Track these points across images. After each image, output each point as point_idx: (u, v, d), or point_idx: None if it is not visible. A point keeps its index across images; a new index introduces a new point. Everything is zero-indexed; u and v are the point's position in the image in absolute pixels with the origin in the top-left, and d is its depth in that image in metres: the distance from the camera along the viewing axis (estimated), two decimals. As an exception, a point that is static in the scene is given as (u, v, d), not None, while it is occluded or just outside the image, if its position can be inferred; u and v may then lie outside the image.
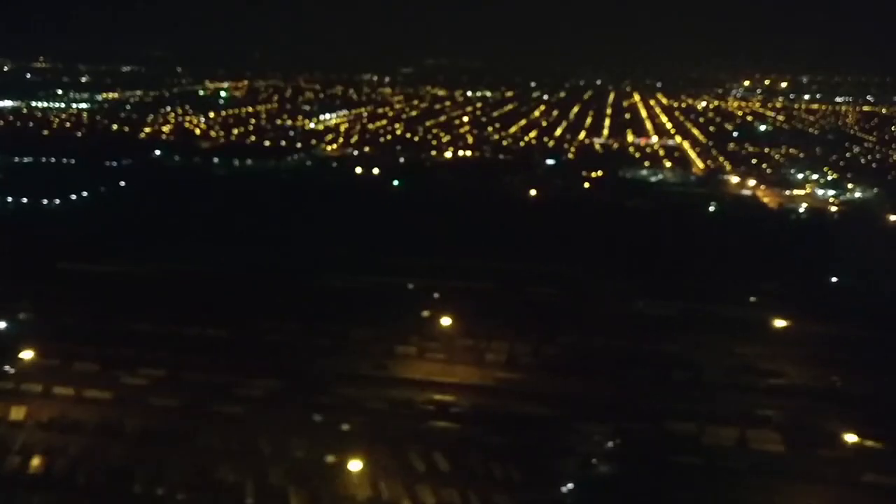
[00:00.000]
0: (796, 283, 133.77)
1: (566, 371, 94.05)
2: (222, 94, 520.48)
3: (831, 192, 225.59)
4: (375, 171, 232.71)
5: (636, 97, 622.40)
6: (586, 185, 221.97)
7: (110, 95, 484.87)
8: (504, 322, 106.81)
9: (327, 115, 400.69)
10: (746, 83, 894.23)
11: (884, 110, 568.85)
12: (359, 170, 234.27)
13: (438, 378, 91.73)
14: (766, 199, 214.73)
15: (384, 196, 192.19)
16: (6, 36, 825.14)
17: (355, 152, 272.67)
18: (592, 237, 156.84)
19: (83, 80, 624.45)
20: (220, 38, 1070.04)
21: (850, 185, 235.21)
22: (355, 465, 69.90)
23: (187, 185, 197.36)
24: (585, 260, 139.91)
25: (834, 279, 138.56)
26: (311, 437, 75.46)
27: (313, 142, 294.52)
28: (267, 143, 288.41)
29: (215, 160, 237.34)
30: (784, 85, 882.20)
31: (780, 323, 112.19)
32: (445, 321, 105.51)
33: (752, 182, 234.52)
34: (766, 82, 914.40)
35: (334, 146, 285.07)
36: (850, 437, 79.28)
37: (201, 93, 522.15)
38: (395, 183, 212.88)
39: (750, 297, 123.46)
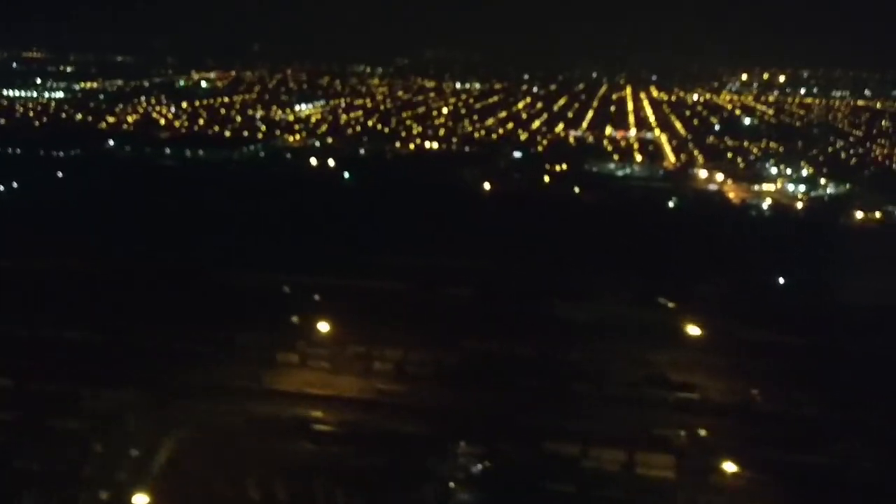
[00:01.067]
0: (737, 285, 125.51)
1: (457, 382, 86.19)
2: (203, 84, 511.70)
3: (802, 188, 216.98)
4: (330, 162, 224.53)
5: (628, 90, 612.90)
6: (546, 178, 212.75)
7: (89, 85, 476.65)
8: (407, 326, 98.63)
9: (304, 106, 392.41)
10: (744, 77, 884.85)
11: (878, 105, 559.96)
12: (313, 161, 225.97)
13: (314, 390, 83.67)
14: (731, 195, 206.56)
15: (324, 188, 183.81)
16: (5, 25, 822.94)
17: (317, 143, 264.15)
18: (533, 233, 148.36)
19: (69, 69, 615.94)
20: (222, 31, 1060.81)
21: (822, 181, 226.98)
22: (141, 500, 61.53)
23: (123, 175, 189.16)
24: (518, 257, 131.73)
25: (781, 280, 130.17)
26: (135, 463, 67.46)
27: (277, 132, 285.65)
28: (228, 133, 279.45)
29: (166, 150, 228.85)
30: (782, 79, 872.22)
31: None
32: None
33: (719, 177, 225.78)
34: (765, 76, 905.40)
35: (297, 137, 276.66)
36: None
37: (182, 83, 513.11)
38: (345, 175, 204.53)
39: (682, 300, 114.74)
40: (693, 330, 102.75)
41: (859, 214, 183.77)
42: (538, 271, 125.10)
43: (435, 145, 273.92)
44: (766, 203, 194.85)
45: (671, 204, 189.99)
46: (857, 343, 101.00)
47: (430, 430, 75.05)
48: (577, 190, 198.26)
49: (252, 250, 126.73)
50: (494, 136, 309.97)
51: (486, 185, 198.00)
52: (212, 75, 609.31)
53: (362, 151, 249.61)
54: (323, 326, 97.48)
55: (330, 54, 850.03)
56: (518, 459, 70.90)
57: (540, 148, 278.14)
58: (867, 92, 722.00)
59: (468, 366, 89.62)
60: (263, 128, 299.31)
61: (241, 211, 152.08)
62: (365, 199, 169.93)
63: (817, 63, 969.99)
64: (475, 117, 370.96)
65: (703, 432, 77.02)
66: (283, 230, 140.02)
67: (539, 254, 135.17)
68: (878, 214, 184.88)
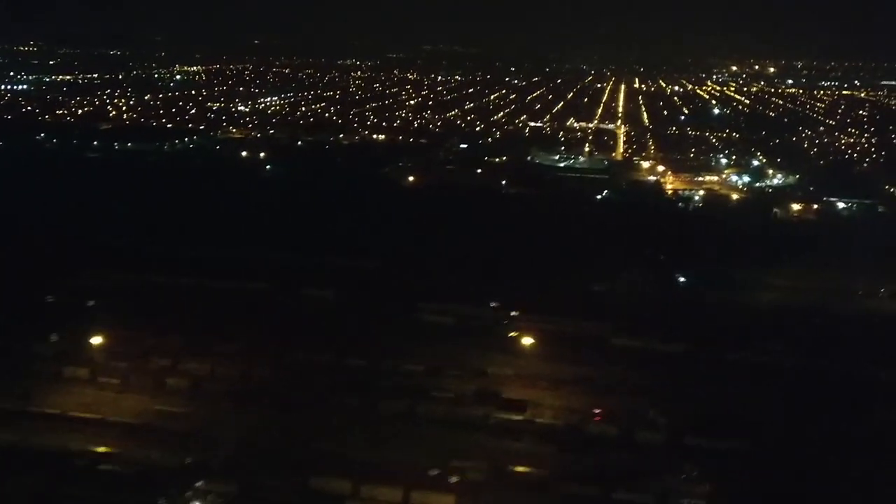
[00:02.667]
0: (631, 285, 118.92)
1: (253, 401, 77.29)
2: (178, 77, 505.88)
3: (747, 179, 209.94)
4: (261, 154, 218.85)
5: (610, 82, 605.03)
6: (478, 170, 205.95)
7: (62, 77, 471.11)
8: (235, 332, 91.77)
9: (270, 98, 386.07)
10: (734, 68, 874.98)
11: (863, 94, 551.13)
12: (244, 153, 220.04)
13: (85, 412, 73.75)
14: (668, 186, 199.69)
15: (230, 182, 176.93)
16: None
17: (259, 135, 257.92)
18: (430, 229, 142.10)
19: (53, 62, 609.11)
20: (224, 26, 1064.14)
21: (771, 172, 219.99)
22: None
23: (30, 168, 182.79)
24: (401, 255, 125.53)
25: (682, 279, 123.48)
26: None
27: (225, 124, 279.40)
28: (170, 126, 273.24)
29: (94, 143, 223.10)
30: (772, 70, 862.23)
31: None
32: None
33: (661, 168, 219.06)
34: (756, 67, 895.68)
35: (244, 129, 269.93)
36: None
37: (158, 76, 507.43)
38: (266, 167, 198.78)
39: (553, 302, 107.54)
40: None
41: (796, 207, 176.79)
42: (414, 270, 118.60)
43: (381, 136, 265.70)
44: (699, 195, 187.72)
45: (598, 197, 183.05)
46: (733, 350, 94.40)
47: (180, 462, 65.15)
48: (503, 182, 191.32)
49: (117, 248, 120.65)
50: (450, 127, 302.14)
51: (410, 178, 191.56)
52: (196, 68, 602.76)
53: (300, 143, 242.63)
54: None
55: (326, 48, 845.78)
56: (270, 499, 62.26)
57: (490, 139, 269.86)
58: (857, 82, 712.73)
59: (277, 381, 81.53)
60: (214, 120, 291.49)
61: (109, 206, 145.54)
62: (267, 193, 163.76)
63: (812, 55, 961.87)
64: (440, 109, 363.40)
65: (510, 466, 67.97)
66: (151, 227, 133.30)
67: (426, 251, 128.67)
68: (815, 207, 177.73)
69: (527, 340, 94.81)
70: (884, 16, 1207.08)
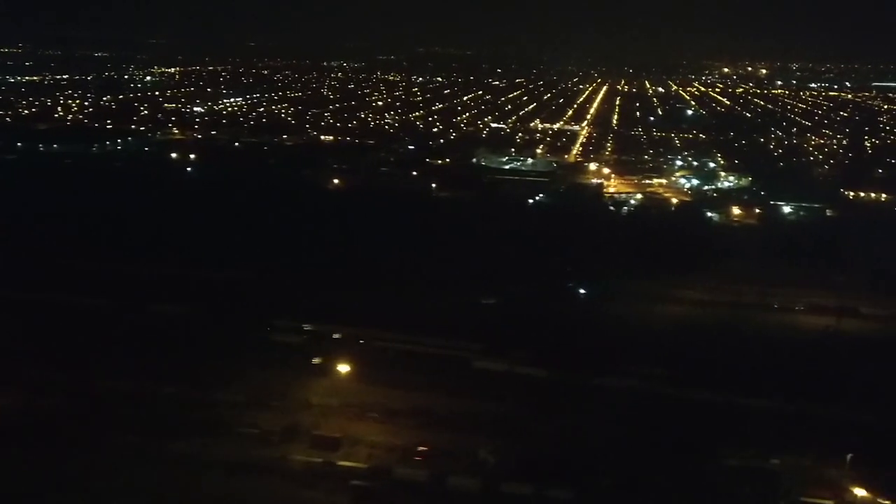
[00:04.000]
0: (521, 299, 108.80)
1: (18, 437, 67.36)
2: (147, 78, 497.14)
3: (695, 182, 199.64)
4: (191, 156, 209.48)
5: (594, 83, 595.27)
6: (415, 173, 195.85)
7: (26, 78, 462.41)
8: (50, 354, 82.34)
9: (232, 100, 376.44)
10: (726, 69, 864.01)
11: (849, 95, 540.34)
12: (173, 155, 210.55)
13: None
14: (609, 190, 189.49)
15: (142, 185, 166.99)
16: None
17: (198, 137, 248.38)
18: (336, 237, 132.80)
19: (27, 63, 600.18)
20: (227, 27, 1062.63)
21: (724, 174, 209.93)
22: None
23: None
24: (291, 265, 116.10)
25: (581, 291, 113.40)
26: None
27: (170, 126, 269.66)
28: (109, 127, 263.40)
29: (17, 144, 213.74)
30: (764, 72, 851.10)
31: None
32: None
33: (607, 171, 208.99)
34: (749, 69, 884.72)
35: (185, 131, 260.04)
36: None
37: (126, 77, 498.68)
38: (188, 170, 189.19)
39: (441, 318, 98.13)
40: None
41: (736, 211, 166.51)
42: (289, 283, 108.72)
43: (330, 138, 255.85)
44: (635, 199, 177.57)
45: (530, 201, 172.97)
46: (605, 374, 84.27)
47: None
48: (433, 185, 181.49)
49: None
50: (409, 128, 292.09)
51: (334, 181, 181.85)
52: (174, 70, 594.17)
53: (237, 144, 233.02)
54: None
55: (318, 50, 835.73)
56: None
57: (442, 141, 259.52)
58: (848, 83, 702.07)
59: (59, 413, 71.27)
60: (161, 121, 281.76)
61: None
62: (165, 198, 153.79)
63: (812, 57, 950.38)
64: (406, 110, 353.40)
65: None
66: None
67: (312, 261, 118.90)
68: (757, 211, 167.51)
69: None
70: (886, 17, 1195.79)
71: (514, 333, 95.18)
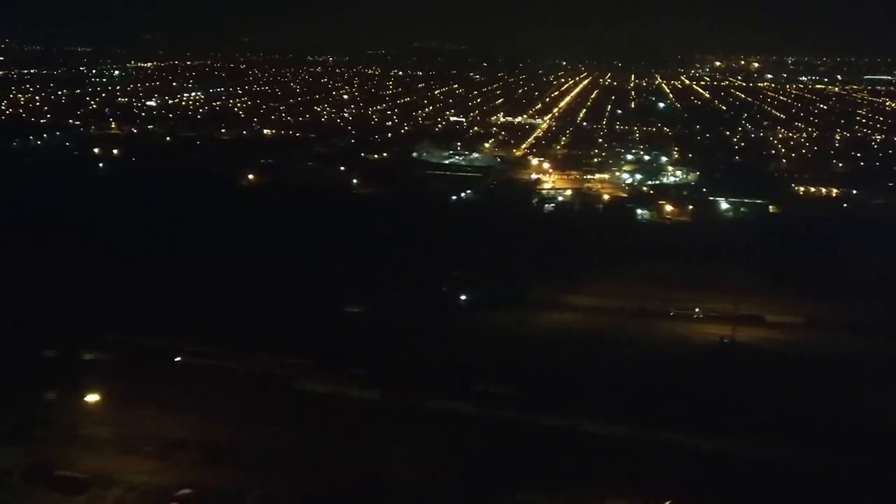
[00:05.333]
0: (392, 306, 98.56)
1: None
2: (116, 73, 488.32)
3: (638, 177, 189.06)
4: (115, 151, 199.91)
5: (578, 77, 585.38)
6: (342, 168, 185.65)
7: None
8: None
9: (191, 94, 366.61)
10: (717, 63, 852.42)
11: (836, 89, 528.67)
12: (96, 150, 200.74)
13: None
14: (544, 185, 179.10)
15: (41, 180, 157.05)
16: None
17: (133, 130, 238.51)
18: (218, 237, 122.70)
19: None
20: (223, 22, 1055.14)
21: (671, 169, 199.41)
22: None
23: None
24: (151, 267, 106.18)
25: (464, 297, 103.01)
26: None
27: (111, 119, 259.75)
28: (43, 120, 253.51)
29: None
30: (756, 65, 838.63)
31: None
32: None
33: (547, 165, 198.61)
34: (742, 62, 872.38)
35: (123, 125, 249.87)
36: None
37: (93, 72, 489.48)
38: (100, 165, 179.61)
39: (290, 330, 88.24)
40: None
41: (669, 208, 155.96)
42: (122, 289, 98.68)
43: (271, 131, 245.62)
44: (565, 195, 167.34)
45: (453, 197, 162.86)
46: (446, 396, 74.02)
47: None
48: (363, 180, 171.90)
49: None
50: (362, 121, 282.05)
51: (249, 177, 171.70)
52: (149, 65, 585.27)
53: (169, 139, 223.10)
54: None
55: (308, 45, 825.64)
56: None
57: (390, 134, 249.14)
58: (839, 77, 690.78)
59: None
60: (105, 116, 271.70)
61: None
62: (55, 195, 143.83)
63: (808, 51, 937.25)
64: (369, 104, 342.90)
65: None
66: None
67: (170, 264, 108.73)
68: (690, 208, 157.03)
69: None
70: (886, 11, 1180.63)
71: (362, 347, 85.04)
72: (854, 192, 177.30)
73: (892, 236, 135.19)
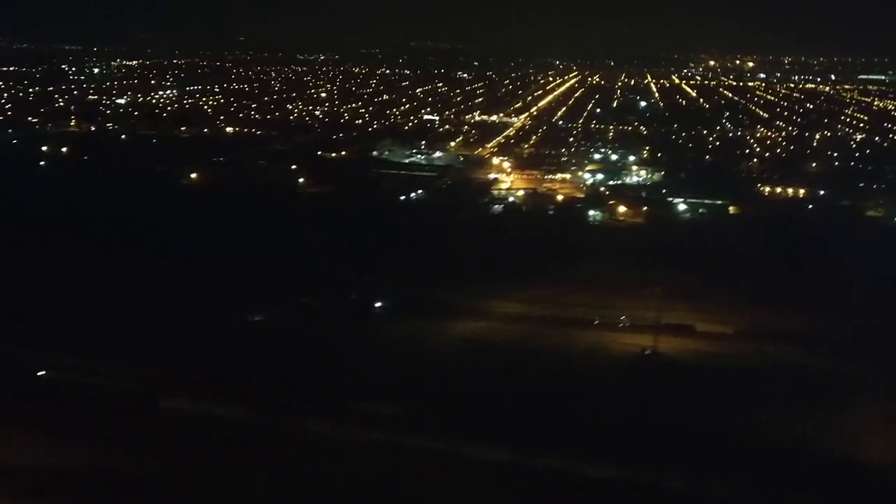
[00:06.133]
0: (295, 315, 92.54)
1: None
2: (95, 71, 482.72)
3: (600, 177, 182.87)
4: (63, 149, 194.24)
5: (568, 76, 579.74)
6: (294, 167, 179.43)
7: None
8: None
9: (168, 92, 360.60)
10: (712, 62, 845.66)
11: (827, 88, 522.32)
12: (44, 148, 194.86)
13: None
14: (502, 185, 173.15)
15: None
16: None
17: (91, 128, 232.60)
18: (132, 240, 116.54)
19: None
20: (223, 21, 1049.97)
21: (636, 168, 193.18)
22: None
23: None
24: (54, 272, 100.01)
25: (378, 304, 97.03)
26: None
27: (73, 117, 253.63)
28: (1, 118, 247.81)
29: None
30: (751, 64, 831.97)
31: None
32: None
33: (507, 165, 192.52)
34: (738, 62, 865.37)
35: (82, 123, 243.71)
36: None
37: (74, 69, 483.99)
38: (41, 163, 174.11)
39: (179, 341, 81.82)
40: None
41: (622, 209, 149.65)
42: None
43: (232, 129, 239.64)
44: (516, 196, 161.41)
45: (402, 197, 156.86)
46: (315, 414, 67.91)
47: None
48: (309, 179, 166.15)
49: None
50: (332, 119, 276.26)
51: (192, 176, 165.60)
52: (134, 63, 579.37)
53: (124, 136, 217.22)
54: None
55: (304, 44, 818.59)
56: None
57: (354, 133, 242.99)
58: (833, 76, 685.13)
59: None
60: (67, 112, 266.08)
61: None
62: None
63: (806, 51, 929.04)
64: (343, 103, 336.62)
65: None
66: None
67: (74, 270, 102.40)
68: (644, 209, 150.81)
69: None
70: (884, 11, 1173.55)
71: (250, 360, 78.73)
72: (821, 192, 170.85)
73: (850, 240, 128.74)
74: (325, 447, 63.31)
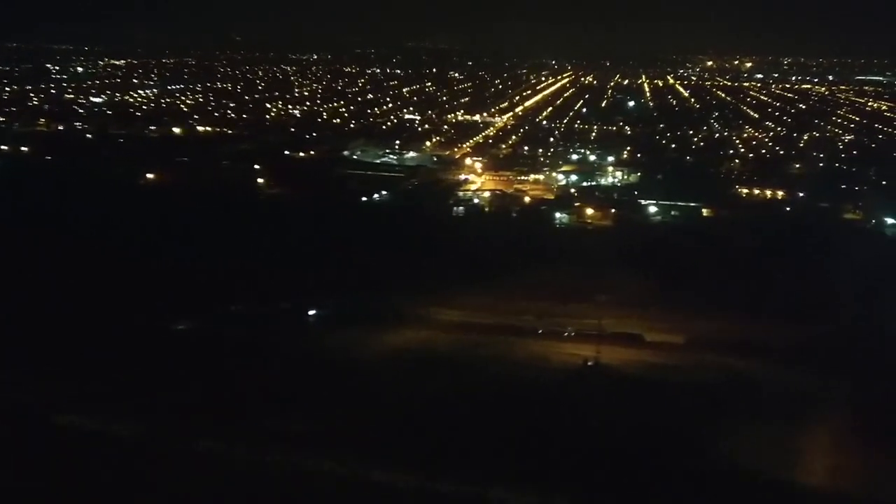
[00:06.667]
0: (226, 316, 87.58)
1: None
2: (80, 70, 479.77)
3: (574, 178, 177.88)
4: (23, 148, 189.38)
5: (563, 76, 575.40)
6: (257, 167, 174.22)
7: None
8: None
9: (148, 91, 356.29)
10: (710, 63, 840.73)
11: (823, 89, 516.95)
12: (4, 147, 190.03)
13: None
14: (471, 186, 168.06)
15: None
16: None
17: (59, 128, 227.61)
18: (71, 243, 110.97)
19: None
20: (223, 20, 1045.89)
21: (611, 170, 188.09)
22: None
23: None
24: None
25: (313, 311, 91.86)
26: None
27: (43, 117, 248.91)
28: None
29: None
30: (749, 65, 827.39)
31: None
32: None
33: (481, 166, 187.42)
34: (735, 62, 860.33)
35: (52, 122, 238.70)
36: None
37: (57, 68, 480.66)
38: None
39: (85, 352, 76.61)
40: None
41: (590, 211, 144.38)
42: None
43: (205, 129, 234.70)
44: (482, 197, 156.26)
45: (363, 199, 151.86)
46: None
47: None
48: (260, 181, 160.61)
49: None
50: (308, 118, 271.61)
51: (148, 176, 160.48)
52: (122, 62, 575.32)
53: (89, 136, 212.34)
54: None
55: (310, 44, 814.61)
56: None
57: (330, 132, 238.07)
58: (830, 77, 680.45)
59: None
60: (39, 111, 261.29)
61: None
62: None
63: (804, 52, 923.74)
64: (324, 101, 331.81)
65: None
66: None
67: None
68: (612, 211, 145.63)
69: None
70: (885, 13, 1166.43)
71: (162, 372, 73.41)
72: (800, 194, 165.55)
73: (822, 244, 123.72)
74: (215, 468, 57.94)
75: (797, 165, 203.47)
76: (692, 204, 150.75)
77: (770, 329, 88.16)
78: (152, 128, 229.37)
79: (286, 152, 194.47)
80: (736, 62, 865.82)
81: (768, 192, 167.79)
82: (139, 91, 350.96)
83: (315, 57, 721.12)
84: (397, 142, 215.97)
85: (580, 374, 77.32)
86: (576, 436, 63.26)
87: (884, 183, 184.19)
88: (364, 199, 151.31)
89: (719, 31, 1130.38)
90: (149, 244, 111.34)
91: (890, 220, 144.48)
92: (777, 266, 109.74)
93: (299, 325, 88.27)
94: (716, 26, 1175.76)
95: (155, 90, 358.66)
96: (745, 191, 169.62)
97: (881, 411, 66.21)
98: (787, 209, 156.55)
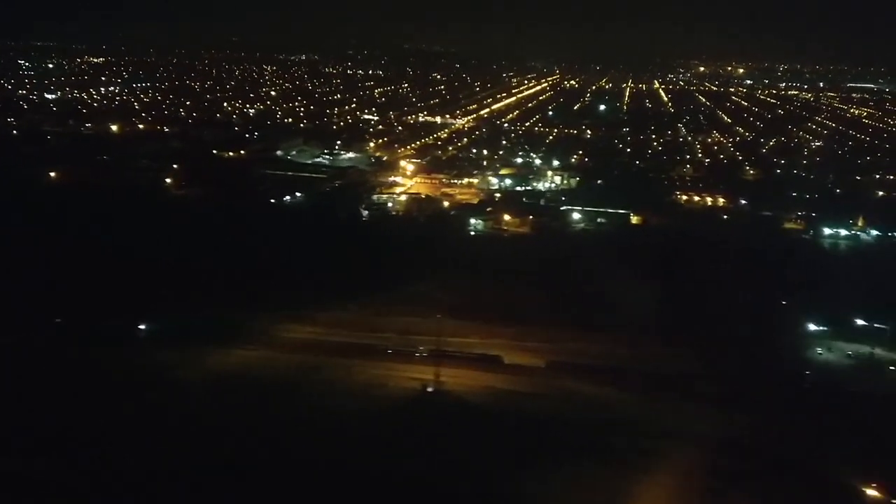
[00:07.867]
0: (48, 329, 78.84)
1: None
2: (50, 67, 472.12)
3: (507, 182, 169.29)
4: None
5: (546, 80, 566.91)
6: (176, 166, 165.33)
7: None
8: None
9: (108, 89, 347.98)
10: (702, 68, 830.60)
11: (809, 96, 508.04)
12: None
13: None
14: (396, 189, 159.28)
15: None
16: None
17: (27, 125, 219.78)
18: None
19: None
20: (223, 20, 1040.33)
21: (550, 174, 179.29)
22: None
23: None
24: None
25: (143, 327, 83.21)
26: None
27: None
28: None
29: None
30: (741, 71, 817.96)
31: None
32: None
33: (414, 167, 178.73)
34: (728, 68, 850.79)
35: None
36: None
37: (28, 65, 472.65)
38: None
39: None
40: None
41: (508, 217, 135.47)
42: None
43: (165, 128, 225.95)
44: (399, 200, 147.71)
45: (272, 201, 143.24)
46: None
47: None
48: (172, 181, 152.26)
49: None
50: (266, 117, 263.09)
51: (51, 175, 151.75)
52: (100, 60, 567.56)
53: (15, 132, 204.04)
54: None
55: (304, 46, 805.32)
56: None
57: (275, 130, 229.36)
58: (821, 84, 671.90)
59: None
60: None
61: None
62: None
63: (798, 59, 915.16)
64: (283, 101, 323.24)
65: None
66: None
67: None
68: (531, 218, 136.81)
69: None
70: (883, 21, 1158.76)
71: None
72: (743, 202, 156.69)
73: (749, 255, 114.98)
74: None
75: (752, 172, 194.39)
76: (621, 211, 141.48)
77: (644, 351, 79.39)
78: (88, 125, 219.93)
79: (213, 151, 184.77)
80: (729, 68, 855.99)
81: (709, 200, 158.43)
82: (101, 88, 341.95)
83: (303, 57, 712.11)
84: (338, 142, 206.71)
85: (411, 405, 68.48)
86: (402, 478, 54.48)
87: (838, 191, 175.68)
88: (273, 201, 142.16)
89: (716, 36, 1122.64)
90: (9, 248, 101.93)
91: (828, 231, 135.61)
92: (681, 281, 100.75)
93: (127, 342, 79.37)
94: (712, 32, 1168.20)
95: (117, 88, 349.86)
96: (685, 197, 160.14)
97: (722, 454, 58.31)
98: (724, 217, 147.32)
